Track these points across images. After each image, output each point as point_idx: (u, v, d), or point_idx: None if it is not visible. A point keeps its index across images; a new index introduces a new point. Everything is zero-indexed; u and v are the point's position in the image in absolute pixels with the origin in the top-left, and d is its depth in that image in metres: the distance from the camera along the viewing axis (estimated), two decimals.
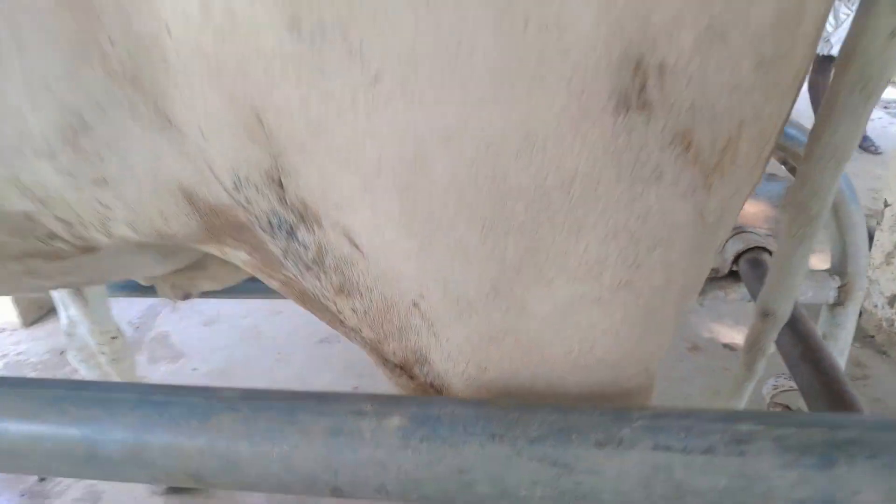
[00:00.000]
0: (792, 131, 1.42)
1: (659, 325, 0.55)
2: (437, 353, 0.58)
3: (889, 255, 2.74)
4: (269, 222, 0.57)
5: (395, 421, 0.49)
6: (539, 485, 0.47)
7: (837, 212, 1.42)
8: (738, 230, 1.76)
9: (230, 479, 0.50)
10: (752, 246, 1.67)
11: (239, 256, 0.66)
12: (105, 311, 1.65)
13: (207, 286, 1.08)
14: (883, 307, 2.75)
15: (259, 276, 0.67)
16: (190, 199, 0.62)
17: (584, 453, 0.47)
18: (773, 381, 1.79)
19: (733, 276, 1.71)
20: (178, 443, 0.50)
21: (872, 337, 2.82)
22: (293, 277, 0.63)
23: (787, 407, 1.86)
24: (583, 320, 0.53)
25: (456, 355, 0.57)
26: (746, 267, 1.64)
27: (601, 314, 0.52)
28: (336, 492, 0.49)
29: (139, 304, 3.04)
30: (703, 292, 1.71)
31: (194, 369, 2.59)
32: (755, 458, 0.45)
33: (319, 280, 0.59)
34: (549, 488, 0.47)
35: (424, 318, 0.56)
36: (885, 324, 2.76)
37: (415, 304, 0.55)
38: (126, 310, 2.96)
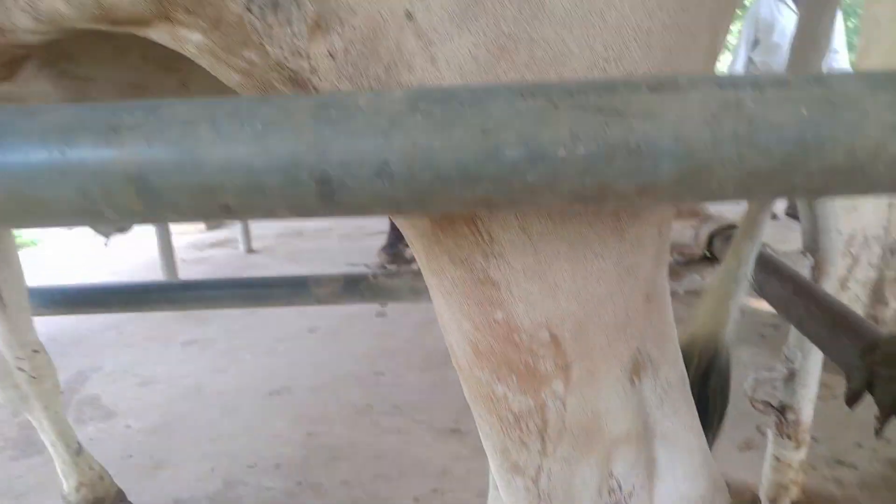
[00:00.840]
0: None
1: (693, 28, 0.48)
2: None
3: (843, 281, 2.76)
4: None
5: (397, 93, 0.40)
6: (581, 139, 0.37)
7: None
8: (706, 216, 1.74)
9: (183, 176, 0.39)
10: (724, 225, 1.64)
11: (192, 39, 0.56)
12: (26, 320, 1.47)
13: None
14: None
15: (216, 69, 0.58)
16: None
17: (635, 98, 0.38)
18: (753, 377, 1.72)
19: (708, 260, 1.67)
20: (114, 149, 0.39)
21: None
22: (255, 57, 0.54)
23: (770, 404, 1.78)
24: (609, 14, 0.45)
25: (456, 82, 0.48)
26: (722, 246, 1.60)
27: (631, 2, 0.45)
28: (324, 182, 0.38)
29: (65, 369, 2.78)
30: (678, 277, 1.66)
31: (128, 426, 2.33)
32: (839, 85, 0.38)
33: (290, 24, 0.50)
34: (593, 142, 0.37)
35: (420, 36, 0.47)
36: None
37: (408, 16, 0.47)
38: None
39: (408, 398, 2.52)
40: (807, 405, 1.76)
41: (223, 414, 2.41)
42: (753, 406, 1.72)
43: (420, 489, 1.98)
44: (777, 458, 1.80)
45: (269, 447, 2.20)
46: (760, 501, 1.85)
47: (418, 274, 1.78)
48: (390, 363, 2.83)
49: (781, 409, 1.79)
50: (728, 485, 2.12)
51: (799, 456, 1.79)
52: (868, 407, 2.33)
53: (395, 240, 4.27)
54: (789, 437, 1.78)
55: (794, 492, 1.80)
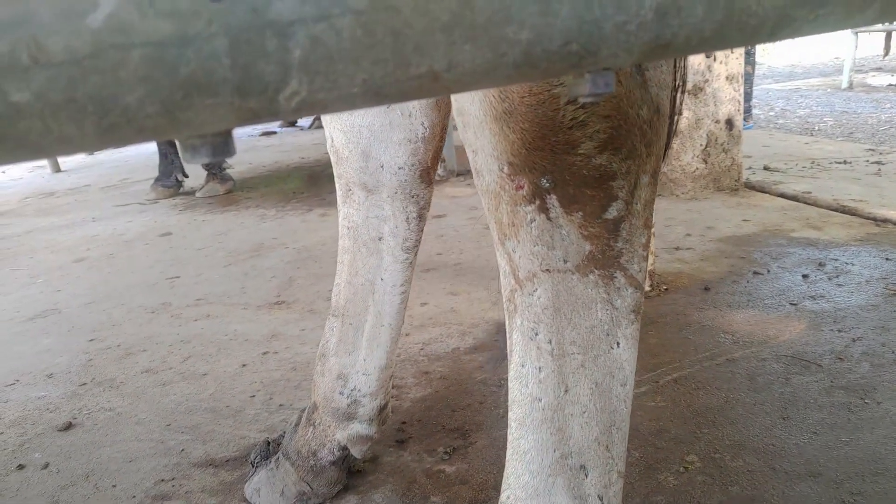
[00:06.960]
0: None
1: None
2: None
3: None
4: None
5: None
6: None
7: None
8: None
9: None
10: None
11: None
12: None
13: None
14: None
15: None
16: None
17: None
18: None
19: None
20: None
21: None
22: None
23: None
24: None
25: None
26: None
27: None
28: None
29: None
30: None
31: None
32: None
33: None
34: None
35: None
36: None
37: None
38: None
39: (213, 290, 2.11)
40: None
41: None
42: None
43: (247, 356, 1.61)
44: None
45: (35, 362, 1.68)
46: None
47: None
48: (186, 267, 2.37)
49: None
50: None
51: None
52: (686, 218, 2.30)
53: (169, 169, 3.70)
54: None
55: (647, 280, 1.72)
